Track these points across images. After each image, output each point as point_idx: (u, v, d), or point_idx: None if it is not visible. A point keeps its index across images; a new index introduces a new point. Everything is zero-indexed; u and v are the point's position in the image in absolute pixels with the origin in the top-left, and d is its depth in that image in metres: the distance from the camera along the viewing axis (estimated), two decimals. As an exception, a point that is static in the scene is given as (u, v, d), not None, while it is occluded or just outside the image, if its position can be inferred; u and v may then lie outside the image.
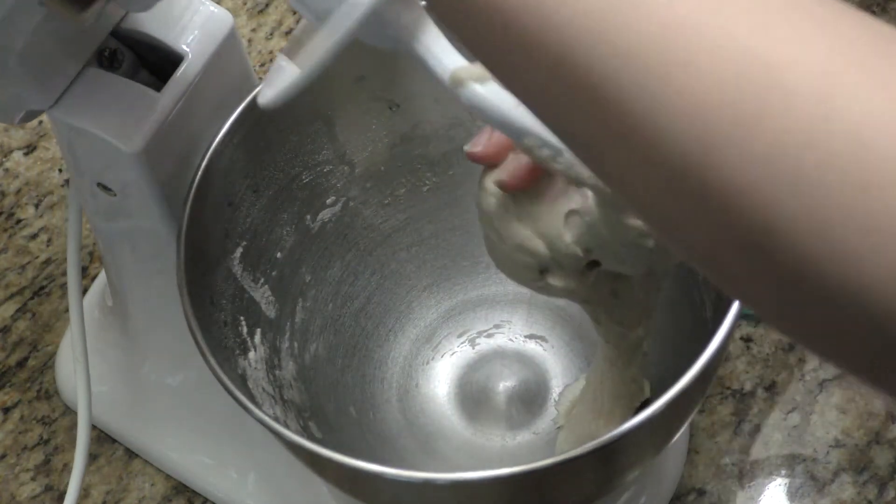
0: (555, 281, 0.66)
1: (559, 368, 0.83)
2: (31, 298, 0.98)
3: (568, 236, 0.64)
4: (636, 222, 0.62)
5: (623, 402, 0.74)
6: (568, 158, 0.56)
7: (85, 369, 0.82)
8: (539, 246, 0.65)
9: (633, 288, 0.68)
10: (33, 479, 0.91)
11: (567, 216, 0.64)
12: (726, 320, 0.63)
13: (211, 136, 0.72)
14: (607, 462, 0.65)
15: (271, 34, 1.07)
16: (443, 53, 0.54)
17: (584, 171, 0.56)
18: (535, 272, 0.66)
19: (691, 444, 0.87)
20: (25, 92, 0.70)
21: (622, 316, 0.70)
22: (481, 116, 0.55)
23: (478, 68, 0.54)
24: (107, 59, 0.72)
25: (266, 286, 0.77)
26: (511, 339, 0.85)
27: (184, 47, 0.72)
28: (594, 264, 0.65)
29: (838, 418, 0.88)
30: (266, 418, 0.63)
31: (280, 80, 0.53)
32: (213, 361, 0.65)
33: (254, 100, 0.73)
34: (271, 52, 1.07)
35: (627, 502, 0.82)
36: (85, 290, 0.95)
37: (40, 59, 0.69)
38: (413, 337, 0.85)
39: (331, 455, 0.61)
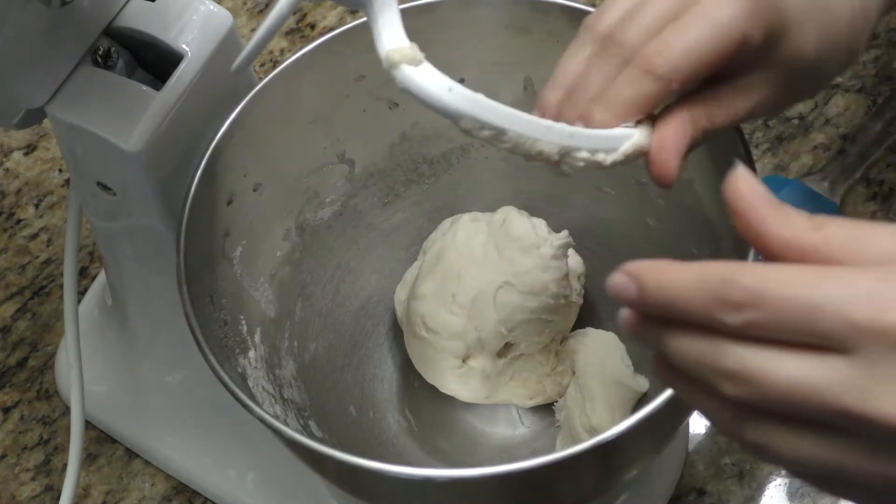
0: (475, 363, 0.77)
1: (559, 367, 0.83)
2: (31, 298, 0.98)
3: (495, 315, 0.76)
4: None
5: (598, 393, 0.75)
6: (513, 136, 0.54)
7: (78, 372, 0.82)
8: (469, 329, 0.77)
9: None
10: (33, 479, 0.91)
11: (496, 292, 0.76)
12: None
13: (211, 135, 0.71)
14: (607, 459, 0.65)
15: (271, 34, 1.07)
16: (384, 30, 0.54)
17: (532, 147, 0.54)
18: (458, 360, 0.77)
19: (691, 444, 0.87)
20: (13, 88, 0.70)
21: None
22: (415, 99, 0.54)
23: (412, 50, 0.53)
24: (101, 58, 0.72)
25: (266, 285, 0.77)
26: (511, 337, 0.85)
27: (183, 46, 0.72)
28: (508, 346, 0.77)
29: (838, 418, 0.87)
30: (266, 416, 0.62)
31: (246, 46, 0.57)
32: (213, 360, 0.65)
33: (254, 98, 0.73)
34: (271, 53, 1.07)
35: (627, 502, 0.82)
36: (85, 290, 0.95)
37: (25, 54, 0.69)
38: (413, 336, 0.85)
39: (331, 452, 0.61)
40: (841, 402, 0.42)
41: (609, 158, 0.56)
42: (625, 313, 0.47)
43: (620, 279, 0.46)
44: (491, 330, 0.77)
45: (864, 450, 0.43)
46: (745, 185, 0.45)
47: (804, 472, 0.45)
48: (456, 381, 0.78)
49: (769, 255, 0.45)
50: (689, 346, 0.44)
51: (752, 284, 0.43)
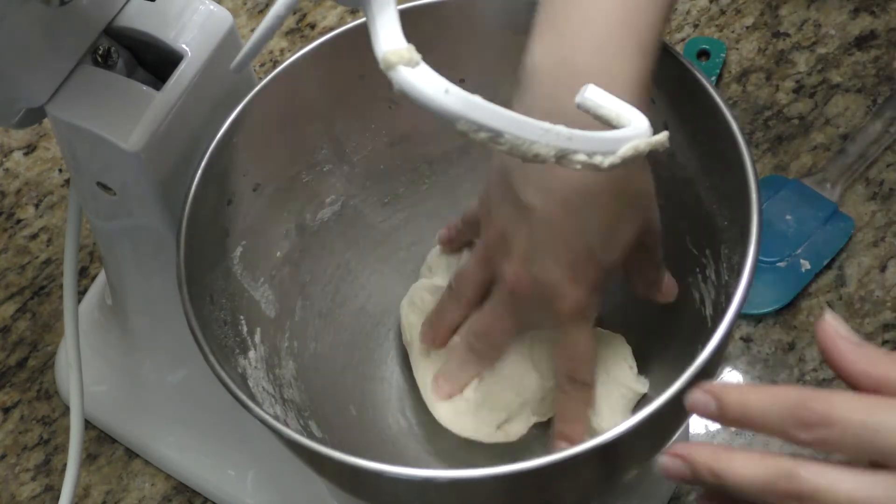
0: (511, 428, 0.75)
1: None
2: (31, 298, 0.98)
3: (535, 374, 0.74)
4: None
5: (597, 394, 0.75)
6: (509, 139, 0.54)
7: (78, 372, 0.82)
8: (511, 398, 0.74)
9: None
10: (33, 479, 0.91)
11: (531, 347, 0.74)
12: (725, 319, 0.63)
13: (211, 135, 0.72)
14: (607, 460, 0.65)
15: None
16: (382, 30, 0.53)
17: (528, 149, 0.54)
18: (494, 427, 0.75)
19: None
20: (13, 88, 0.70)
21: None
22: (412, 101, 0.54)
23: (409, 52, 0.53)
24: (101, 58, 0.72)
25: (266, 285, 0.77)
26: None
27: (183, 46, 0.72)
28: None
29: (838, 418, 0.87)
30: (266, 416, 0.62)
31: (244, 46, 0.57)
32: (213, 360, 0.65)
33: (254, 98, 0.73)
34: (271, 53, 1.07)
35: (628, 502, 0.82)
36: (85, 290, 0.95)
37: (25, 54, 0.69)
38: (413, 335, 0.85)
39: (331, 453, 0.61)
40: None
41: (607, 161, 0.55)
42: (666, 460, 0.53)
43: (701, 396, 0.52)
44: (535, 390, 0.75)
45: None
46: (830, 327, 0.53)
47: None
48: (481, 435, 0.77)
49: (851, 384, 0.52)
50: (755, 469, 0.51)
51: (822, 407, 0.49)
